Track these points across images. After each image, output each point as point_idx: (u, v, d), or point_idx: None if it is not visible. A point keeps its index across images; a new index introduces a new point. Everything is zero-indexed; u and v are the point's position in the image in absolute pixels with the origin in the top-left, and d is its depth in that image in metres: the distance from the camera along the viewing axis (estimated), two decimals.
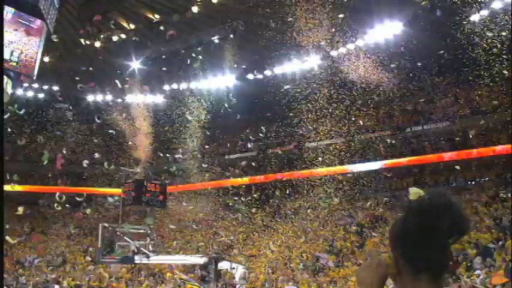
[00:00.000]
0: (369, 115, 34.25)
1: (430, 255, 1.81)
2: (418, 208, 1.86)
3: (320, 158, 33.41)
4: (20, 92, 40.56)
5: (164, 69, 36.96)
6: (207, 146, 37.21)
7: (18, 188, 43.70)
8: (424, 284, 1.80)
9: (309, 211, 32.34)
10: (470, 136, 30.94)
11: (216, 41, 33.43)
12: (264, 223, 35.85)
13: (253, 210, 37.43)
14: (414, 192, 1.90)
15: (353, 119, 33.22)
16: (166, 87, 40.17)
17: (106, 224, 14.75)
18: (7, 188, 42.26)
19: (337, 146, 33.37)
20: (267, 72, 35.67)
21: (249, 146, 41.11)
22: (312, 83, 29.40)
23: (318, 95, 29.11)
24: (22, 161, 45.52)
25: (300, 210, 33.69)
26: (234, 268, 13.56)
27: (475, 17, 26.82)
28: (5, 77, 24.49)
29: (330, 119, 30.49)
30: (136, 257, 14.26)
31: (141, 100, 40.42)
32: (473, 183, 30.85)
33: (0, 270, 3.68)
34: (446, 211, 1.82)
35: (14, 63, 23.52)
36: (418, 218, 1.83)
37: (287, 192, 37.12)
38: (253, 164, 40.10)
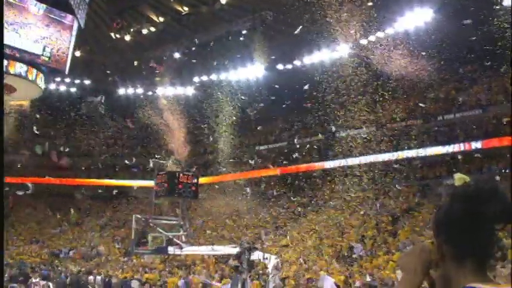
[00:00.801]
0: (400, 104, 33.88)
1: (476, 241, 1.79)
2: (463, 194, 1.84)
3: (351, 148, 33.19)
4: (52, 86, 41.07)
5: (194, 61, 37.07)
6: (238, 137, 37.16)
7: (53, 180, 44.55)
8: (469, 270, 1.78)
9: (340, 201, 32.17)
10: (503, 123, 30.35)
11: (245, 31, 33.41)
12: (296, 213, 35.82)
13: (285, 200, 37.46)
14: (459, 177, 1.89)
15: (384, 107, 32.89)
16: (196, 79, 40.29)
17: (139, 215, 14.91)
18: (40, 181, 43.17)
19: (369, 135, 33.11)
20: (297, 62, 35.50)
21: (280, 136, 41.07)
22: (342, 72, 29.15)
23: (348, 84, 28.87)
24: (57, 154, 46.20)
25: (331, 200, 33.53)
26: (266, 258, 13.55)
27: (507, 2, 26.26)
28: (37, 72, 24.91)
29: (361, 108, 30.24)
30: (169, 248, 14.37)
31: (172, 92, 40.67)
32: (507, 171, 30.28)
33: (0, 270, 3.70)
34: (493, 197, 1.79)
35: (46, 58, 23.87)
36: (463, 204, 1.81)
37: (318, 182, 36.98)
38: (284, 154, 40.07)
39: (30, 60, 22.81)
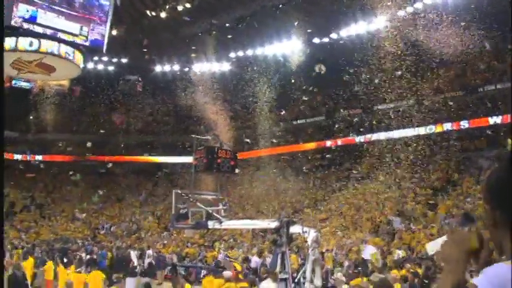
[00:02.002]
0: (440, 76, 33.32)
1: None
2: None
3: (390, 121, 32.87)
4: (90, 65, 41.54)
5: (229, 36, 37.00)
6: (275, 112, 37.10)
7: (93, 157, 45.39)
8: None
9: (379, 174, 31.98)
10: None
11: (281, 5, 33.15)
12: (334, 187, 35.81)
13: (324, 174, 37.45)
14: None
15: (423, 80, 32.39)
16: (232, 54, 40.24)
17: (179, 191, 15.04)
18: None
19: (408, 108, 32.71)
20: (333, 36, 35.10)
21: (318, 110, 40.88)
22: (379, 44, 28.73)
23: (385, 56, 28.47)
24: (96, 132, 46.94)
25: (369, 174, 33.38)
26: (306, 232, 13.54)
27: None
28: (76, 51, 25.20)
29: (399, 81, 29.83)
30: (209, 222, 14.51)
31: (208, 69, 40.75)
32: None
33: (0, 269, 3.81)
34: None
35: (84, 38, 24.12)
36: None
37: (356, 155, 36.81)
38: (321, 128, 39.95)
39: (69, 39, 23.09)
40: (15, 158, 45.07)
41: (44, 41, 21.23)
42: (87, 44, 23.65)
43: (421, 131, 32.26)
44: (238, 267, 18.04)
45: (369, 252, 18.96)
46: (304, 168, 39.01)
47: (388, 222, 27.53)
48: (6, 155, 44.53)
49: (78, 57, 26.03)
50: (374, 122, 35.19)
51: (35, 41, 21.04)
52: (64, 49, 24.27)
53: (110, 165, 45.54)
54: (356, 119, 37.61)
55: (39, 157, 45.48)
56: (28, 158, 45.44)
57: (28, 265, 17.59)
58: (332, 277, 13.88)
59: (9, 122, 45.10)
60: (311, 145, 39.43)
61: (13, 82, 41.57)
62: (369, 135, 35.64)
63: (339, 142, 37.67)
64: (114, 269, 19.51)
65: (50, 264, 18.12)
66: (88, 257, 22.71)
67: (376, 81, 30.25)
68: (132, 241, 33.40)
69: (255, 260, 21.63)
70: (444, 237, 2.00)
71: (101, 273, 15.24)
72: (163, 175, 46.53)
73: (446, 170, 31.44)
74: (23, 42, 20.42)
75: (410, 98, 32.54)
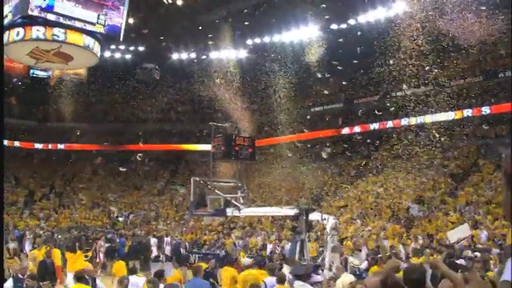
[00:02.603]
0: (460, 61, 32.96)
1: None
2: None
3: (409, 107, 32.62)
4: (107, 54, 41.67)
5: (246, 23, 36.87)
6: (293, 99, 36.95)
7: (111, 147, 45.73)
8: None
9: (398, 161, 31.83)
10: None
11: None
12: (353, 174, 35.73)
13: (342, 161, 37.35)
14: None
15: (443, 65, 32.06)
16: (249, 41, 40.11)
17: (197, 178, 15.13)
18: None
19: (427, 94, 32.45)
20: (351, 22, 34.80)
21: (336, 97, 40.71)
22: (398, 30, 28.44)
23: (404, 42, 28.19)
24: (114, 120, 47.16)
25: (388, 161, 33.23)
26: (325, 219, 13.60)
27: None
28: (93, 39, 25.32)
29: (419, 67, 29.55)
30: (227, 210, 14.58)
31: (225, 56, 40.67)
32: None
33: (0, 268, 3.86)
34: None
35: (101, 26, 24.21)
36: None
37: (375, 142, 36.67)
38: (340, 115, 39.80)
39: (86, 28, 23.20)
40: (35, 147, 45.57)
41: (61, 30, 21.34)
42: (104, 32, 23.72)
43: (441, 117, 32.00)
44: (242, 256, 18.17)
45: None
46: (322, 155, 38.92)
47: (407, 210, 27.41)
48: (27, 144, 45.05)
49: (96, 46, 26.17)
50: (393, 109, 34.93)
51: (52, 30, 21.14)
52: (81, 38, 24.40)
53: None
54: (375, 105, 37.39)
55: (59, 146, 45.90)
56: (48, 147, 45.87)
57: (41, 253, 17.86)
58: (351, 264, 13.88)
59: (28, 111, 45.56)
60: (329, 132, 39.31)
61: (31, 72, 41.90)
62: (388, 122, 35.44)
63: (358, 129, 37.52)
64: (132, 257, 19.71)
65: (56, 251, 18.40)
66: (108, 244, 22.95)
67: (395, 67, 29.94)
68: (150, 229, 33.59)
69: (272, 248, 21.70)
70: (465, 225, 1.99)
71: (123, 263, 15.38)
72: (182, 163, 46.72)
73: (467, 157, 31.22)
74: (40, 32, 20.51)
75: (430, 84, 32.28)
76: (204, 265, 12.39)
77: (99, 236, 24.68)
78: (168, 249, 25.08)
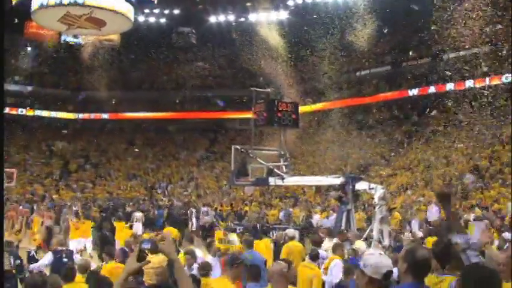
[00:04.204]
0: None
1: None
2: None
3: (462, 70, 31.97)
4: (141, 18, 41.88)
5: None
6: (338, 63, 36.59)
7: (146, 115, 46.18)
8: None
9: (450, 128, 31.34)
10: None
11: None
12: (402, 141, 35.37)
13: (391, 128, 36.97)
14: None
15: (500, 24, 31.19)
16: (290, 2, 39.74)
17: (238, 146, 15.19)
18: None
19: (482, 56, 31.70)
20: None
21: (383, 60, 40.13)
22: None
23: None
24: (149, 88, 47.46)
25: (440, 128, 32.75)
26: (372, 188, 13.57)
27: None
28: (126, 3, 25.56)
29: (473, 26, 28.81)
30: (270, 179, 14.63)
31: (265, 18, 40.40)
32: None
33: (0, 268, 3.93)
34: None
35: None
36: None
37: (426, 108, 36.13)
38: (387, 79, 39.30)
39: None
40: (69, 117, 46.38)
41: None
42: None
43: (497, 80, 31.26)
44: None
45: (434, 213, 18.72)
46: (369, 122, 38.60)
47: (461, 180, 27.02)
48: (60, 114, 45.88)
49: (129, 10, 26.38)
50: (445, 72, 34.28)
51: None
52: (114, 1, 24.64)
53: (166, 121, 46.26)
54: (425, 68, 36.77)
55: (93, 116, 46.61)
56: (79, 117, 46.62)
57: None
58: (402, 236, 13.83)
59: (59, 80, 46.29)
60: (376, 97, 38.88)
61: (62, 38, 42.48)
62: (439, 86, 34.83)
63: (407, 93, 36.96)
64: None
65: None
66: (140, 214, 23.24)
67: (448, 26, 29.24)
68: (189, 200, 33.94)
69: (317, 219, 21.73)
70: None
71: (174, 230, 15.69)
72: (221, 131, 46.94)
73: None
74: None
75: (485, 45, 31.45)
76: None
77: (136, 208, 25.17)
78: (205, 220, 25.41)
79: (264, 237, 13.66)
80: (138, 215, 21.77)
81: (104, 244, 13.09)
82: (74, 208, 24.40)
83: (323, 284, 8.95)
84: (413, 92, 36.43)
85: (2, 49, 4.07)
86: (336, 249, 9.54)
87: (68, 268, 7.61)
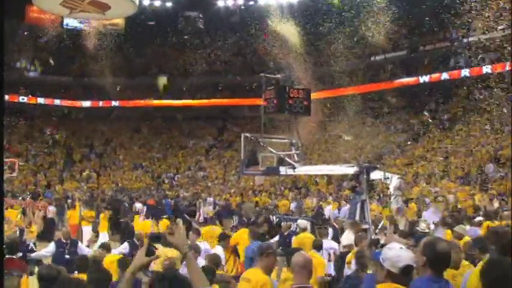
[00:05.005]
0: None
1: None
2: None
3: (481, 54, 31.76)
4: (146, 2, 41.84)
5: None
6: (351, 47, 36.41)
7: (153, 103, 46.15)
8: None
9: (469, 116, 31.18)
10: None
11: None
12: (419, 130, 35.23)
13: (407, 116, 36.81)
14: None
15: None
16: None
17: (248, 134, 15.11)
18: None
19: (503, 39, 31.44)
20: None
21: (398, 44, 39.87)
22: None
23: None
24: (155, 75, 47.42)
25: (459, 115, 32.61)
26: (388, 178, 13.45)
27: None
28: None
29: (494, 8, 28.61)
30: (281, 168, 14.57)
31: (275, 1, 40.22)
32: None
33: (0, 268, 3.93)
34: None
35: None
36: None
37: (444, 94, 35.93)
38: (403, 64, 39.09)
39: None
40: (73, 105, 46.45)
41: None
42: None
43: None
44: None
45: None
46: (384, 109, 38.47)
47: (481, 170, 26.88)
48: (63, 102, 45.94)
49: None
50: (464, 56, 34.07)
51: None
52: None
53: (172, 109, 46.24)
54: (443, 53, 36.52)
55: (94, 103, 46.62)
56: (85, 105, 46.67)
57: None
58: (417, 227, 13.77)
59: (62, 67, 46.33)
60: (392, 84, 38.70)
61: (64, 23, 42.47)
62: (458, 72, 34.61)
63: (424, 79, 36.75)
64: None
65: (71, 212, 19.17)
66: (140, 205, 23.31)
67: (467, 8, 29.02)
68: (197, 190, 34.01)
69: (329, 210, 21.71)
70: None
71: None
72: (230, 119, 46.93)
73: None
74: None
75: (507, 28, 31.22)
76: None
77: (142, 200, 25.24)
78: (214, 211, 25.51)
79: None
80: (139, 206, 21.84)
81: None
82: (83, 198, 24.69)
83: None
84: (431, 77, 36.22)
85: (2, 49, 4.07)
86: (358, 241, 9.57)
87: (82, 258, 7.81)
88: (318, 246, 9.65)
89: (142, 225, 16.04)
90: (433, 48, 37.37)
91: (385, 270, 3.78)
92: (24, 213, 18.71)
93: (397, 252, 3.80)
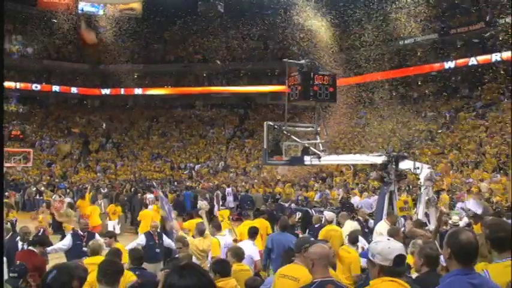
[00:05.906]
0: None
1: None
2: None
3: None
4: None
5: None
6: (378, 31, 36.19)
7: (171, 90, 46.29)
8: None
9: (504, 101, 30.87)
10: None
11: None
12: (451, 117, 34.97)
13: (437, 102, 36.52)
14: None
15: None
16: None
17: (271, 123, 15.10)
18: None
19: None
20: None
21: (428, 27, 39.51)
22: None
23: None
24: (174, 61, 47.46)
25: (493, 101, 32.29)
26: (418, 168, 13.38)
27: None
28: None
29: None
30: (305, 158, 14.55)
31: None
32: None
33: (0, 268, 3.99)
34: None
35: None
36: None
37: (477, 80, 35.58)
38: (432, 48, 38.74)
39: None
40: (88, 92, 46.73)
41: None
42: None
43: None
44: None
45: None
46: (414, 95, 38.22)
47: None
48: (76, 90, 46.27)
49: None
50: (498, 39, 33.69)
51: None
52: None
53: (192, 97, 46.35)
54: (477, 36, 36.13)
55: (107, 91, 46.84)
56: (103, 93, 46.95)
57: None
58: (449, 221, 13.71)
59: (77, 54, 46.62)
60: (422, 68, 38.42)
61: (79, 8, 42.69)
62: (491, 55, 34.24)
63: (455, 64, 36.44)
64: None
65: (81, 201, 19.34)
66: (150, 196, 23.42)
67: None
68: (218, 180, 34.10)
69: (356, 201, 21.67)
70: None
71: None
72: (252, 107, 46.91)
73: None
74: None
75: None
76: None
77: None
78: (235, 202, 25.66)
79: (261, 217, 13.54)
80: (150, 197, 21.97)
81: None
82: (103, 190, 24.90)
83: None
84: (463, 62, 35.91)
85: (2, 49, 4.15)
86: (392, 233, 9.54)
87: (97, 244, 8.11)
88: (353, 240, 9.28)
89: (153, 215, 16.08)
90: (466, 31, 36.94)
91: (377, 266, 3.82)
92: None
93: (386, 245, 3.85)
